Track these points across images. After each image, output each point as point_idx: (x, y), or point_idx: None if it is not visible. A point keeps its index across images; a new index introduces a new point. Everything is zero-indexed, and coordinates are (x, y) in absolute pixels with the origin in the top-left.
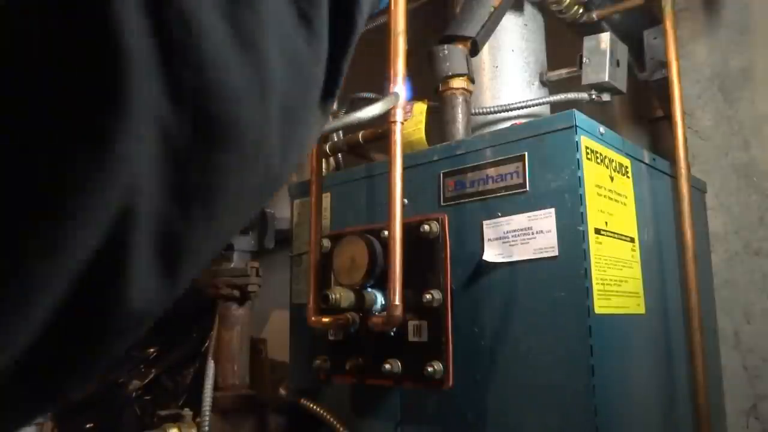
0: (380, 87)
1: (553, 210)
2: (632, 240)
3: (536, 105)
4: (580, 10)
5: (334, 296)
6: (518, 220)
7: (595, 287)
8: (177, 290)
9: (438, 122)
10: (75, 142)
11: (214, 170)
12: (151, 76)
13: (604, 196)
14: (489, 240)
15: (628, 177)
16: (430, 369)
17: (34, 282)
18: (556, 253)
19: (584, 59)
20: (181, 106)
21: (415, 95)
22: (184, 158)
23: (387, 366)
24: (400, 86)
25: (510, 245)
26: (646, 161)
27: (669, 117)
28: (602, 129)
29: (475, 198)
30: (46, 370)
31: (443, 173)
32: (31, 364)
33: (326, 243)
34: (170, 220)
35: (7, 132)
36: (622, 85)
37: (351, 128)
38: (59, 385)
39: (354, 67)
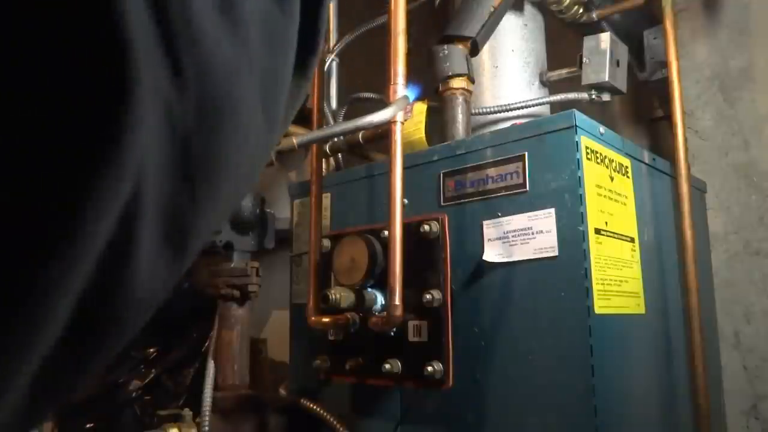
0: (380, 88)
1: (553, 210)
2: (632, 240)
3: (536, 105)
4: (580, 10)
5: (334, 296)
6: (518, 220)
7: (595, 287)
8: (183, 268)
9: (438, 122)
10: (87, 134)
11: (213, 144)
12: (156, 62)
13: (604, 196)
14: (489, 240)
15: (628, 177)
16: (430, 369)
17: (54, 277)
18: (556, 253)
19: (584, 59)
20: (184, 86)
21: (416, 95)
22: (187, 135)
23: (387, 366)
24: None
25: (510, 245)
26: (646, 161)
27: (669, 117)
28: (602, 129)
29: (475, 198)
30: (56, 369)
31: (443, 173)
32: (47, 363)
33: (326, 243)
34: (176, 198)
35: (18, 130)
36: (622, 85)
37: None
38: (69, 383)
39: (354, 68)
